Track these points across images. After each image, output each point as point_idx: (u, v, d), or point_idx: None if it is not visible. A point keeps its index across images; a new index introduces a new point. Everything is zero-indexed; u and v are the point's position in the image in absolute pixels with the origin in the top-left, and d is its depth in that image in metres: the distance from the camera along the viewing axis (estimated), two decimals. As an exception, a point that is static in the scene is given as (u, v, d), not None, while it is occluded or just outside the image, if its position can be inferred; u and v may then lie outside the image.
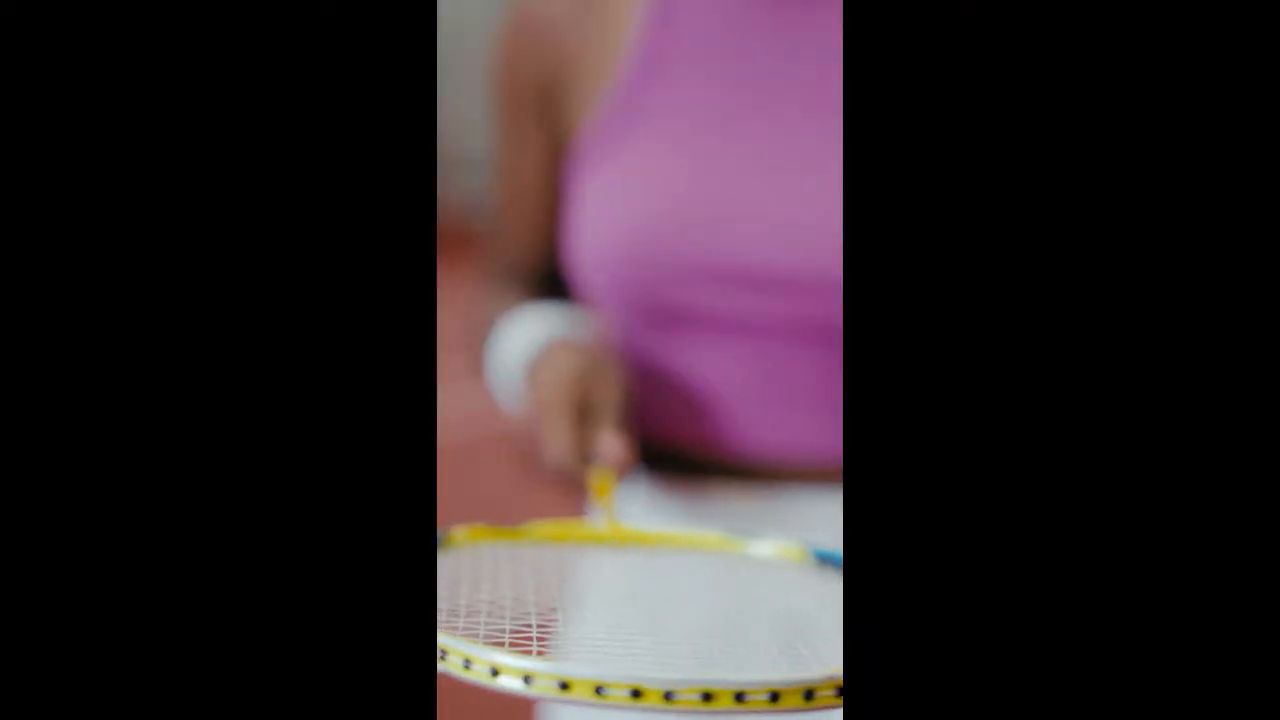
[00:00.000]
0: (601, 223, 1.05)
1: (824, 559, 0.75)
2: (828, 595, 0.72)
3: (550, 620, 0.64)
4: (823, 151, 1.03)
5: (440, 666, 0.58)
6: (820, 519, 1.04)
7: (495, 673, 0.56)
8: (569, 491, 0.99)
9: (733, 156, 1.03)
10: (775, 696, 0.55)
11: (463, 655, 0.57)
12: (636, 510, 1.06)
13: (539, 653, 0.59)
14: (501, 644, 0.60)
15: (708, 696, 0.54)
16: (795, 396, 1.04)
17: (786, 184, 1.03)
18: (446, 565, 0.71)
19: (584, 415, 0.96)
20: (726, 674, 0.55)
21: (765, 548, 0.77)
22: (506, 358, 1.08)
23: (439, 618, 0.62)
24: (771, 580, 0.74)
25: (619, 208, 1.04)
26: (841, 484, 1.05)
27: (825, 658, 0.61)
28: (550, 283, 1.16)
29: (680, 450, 1.07)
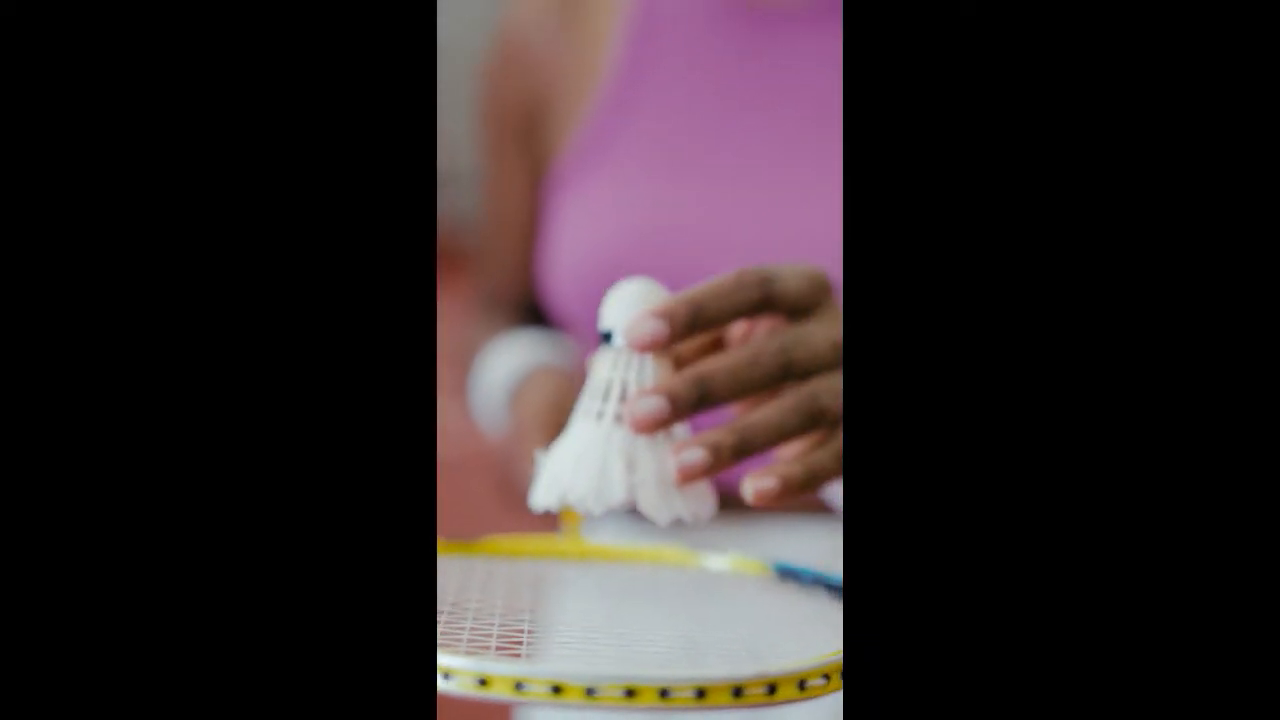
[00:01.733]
0: (577, 246, 1.05)
1: (785, 572, 0.74)
2: (786, 606, 0.71)
3: (491, 625, 0.63)
4: (800, 176, 1.03)
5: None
6: (799, 547, 1.02)
7: (446, 676, 0.55)
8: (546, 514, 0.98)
9: (709, 180, 1.03)
10: (701, 693, 0.53)
11: None
12: (610, 536, 1.05)
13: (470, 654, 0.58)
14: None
15: (631, 693, 0.53)
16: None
17: (761, 208, 1.02)
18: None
19: None
20: (651, 670, 0.54)
21: (724, 561, 0.76)
22: (489, 385, 1.08)
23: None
24: (729, 592, 0.73)
25: (594, 231, 1.04)
26: (818, 513, 1.04)
27: (766, 660, 0.60)
28: (535, 307, 1.16)
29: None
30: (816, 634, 0.63)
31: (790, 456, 0.66)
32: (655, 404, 0.62)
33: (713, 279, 0.65)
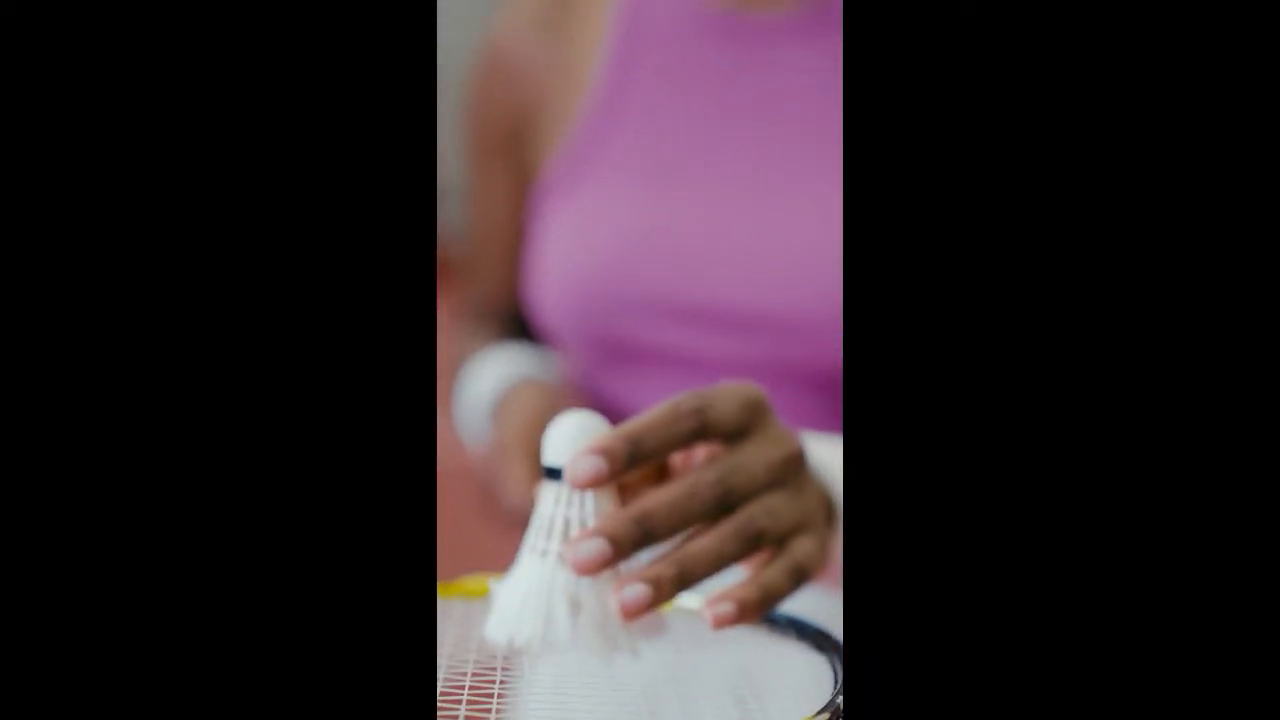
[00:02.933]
0: (559, 258, 1.05)
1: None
2: (756, 653, 0.71)
3: (463, 680, 0.64)
4: (782, 190, 1.03)
5: None
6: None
7: None
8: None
9: (690, 194, 1.03)
10: None
11: None
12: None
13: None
14: None
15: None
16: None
17: (743, 221, 1.02)
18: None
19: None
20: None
21: (695, 601, 0.76)
22: (473, 399, 1.08)
23: None
24: (701, 637, 0.74)
25: (576, 243, 1.04)
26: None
27: (771, 713, 0.61)
28: (523, 323, 1.16)
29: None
30: (782, 689, 0.64)
31: (744, 578, 0.67)
32: (597, 547, 0.63)
33: (648, 412, 0.66)
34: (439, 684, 0.63)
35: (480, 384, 1.08)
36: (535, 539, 0.66)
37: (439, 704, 0.61)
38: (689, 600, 0.76)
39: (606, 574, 0.65)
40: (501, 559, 0.81)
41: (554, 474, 0.66)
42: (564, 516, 0.65)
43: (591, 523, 0.65)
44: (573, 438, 0.65)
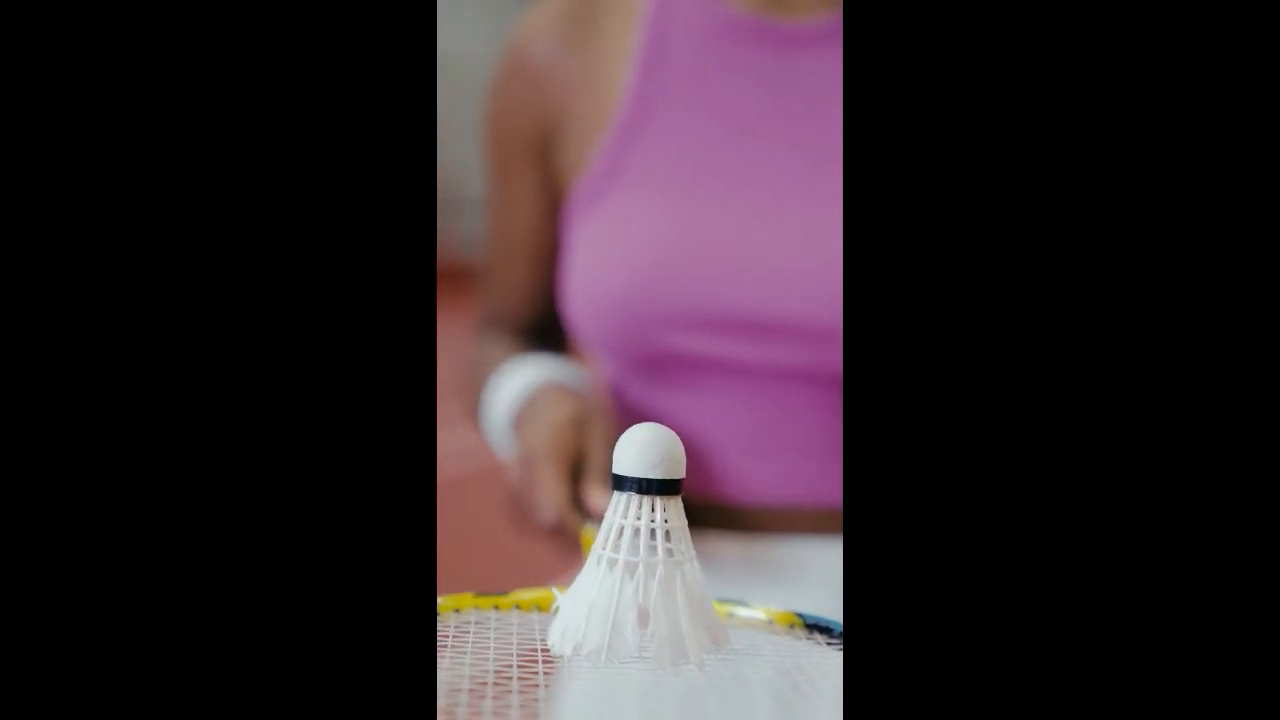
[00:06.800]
0: (592, 269, 1.04)
1: (814, 625, 0.74)
2: (818, 662, 0.71)
3: (531, 697, 0.64)
4: (812, 197, 1.03)
5: None
6: (814, 569, 1.03)
7: None
8: (560, 540, 0.98)
9: (721, 203, 1.03)
10: None
11: None
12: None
13: None
14: None
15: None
16: (786, 443, 1.03)
17: (775, 230, 1.02)
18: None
19: (576, 466, 0.95)
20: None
21: (755, 612, 0.76)
22: (497, 410, 1.07)
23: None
24: (760, 647, 0.73)
25: (608, 254, 1.03)
26: (831, 532, 1.04)
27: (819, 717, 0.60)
28: (541, 332, 1.15)
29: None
30: (826, 694, 0.64)
31: None
32: None
33: None
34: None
35: (503, 392, 1.07)
36: (601, 549, 0.65)
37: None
38: (750, 612, 0.76)
39: (679, 585, 0.65)
40: (543, 573, 0.80)
41: (622, 483, 0.65)
42: (632, 526, 0.65)
43: (659, 532, 0.65)
44: (643, 448, 0.65)
